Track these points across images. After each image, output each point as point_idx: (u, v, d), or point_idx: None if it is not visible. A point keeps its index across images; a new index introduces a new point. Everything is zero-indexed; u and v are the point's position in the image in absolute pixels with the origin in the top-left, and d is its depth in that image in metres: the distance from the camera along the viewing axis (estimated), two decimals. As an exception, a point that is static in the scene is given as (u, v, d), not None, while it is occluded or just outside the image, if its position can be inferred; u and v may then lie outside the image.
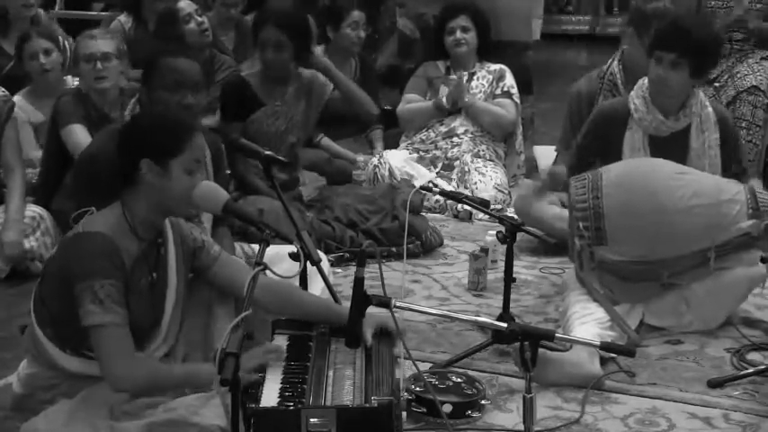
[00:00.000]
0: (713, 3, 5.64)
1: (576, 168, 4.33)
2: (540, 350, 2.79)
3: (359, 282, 2.74)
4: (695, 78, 4.18)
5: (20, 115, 5.00)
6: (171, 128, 2.97)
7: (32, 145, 5.19)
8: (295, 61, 5.07)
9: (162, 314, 3.05)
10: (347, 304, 2.90)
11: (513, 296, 3.92)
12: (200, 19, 6.01)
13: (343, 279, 4.50)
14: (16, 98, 5.21)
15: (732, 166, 4.29)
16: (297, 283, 3.38)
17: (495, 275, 4.53)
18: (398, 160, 5.70)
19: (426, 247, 4.96)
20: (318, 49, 6.20)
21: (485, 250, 4.55)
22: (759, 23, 5.62)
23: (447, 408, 3.15)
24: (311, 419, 2.72)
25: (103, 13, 8.35)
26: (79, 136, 4.64)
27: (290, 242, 3.20)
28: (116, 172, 2.99)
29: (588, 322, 3.78)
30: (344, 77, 5.56)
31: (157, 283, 3.04)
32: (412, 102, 6.11)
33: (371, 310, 2.80)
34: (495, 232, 3.94)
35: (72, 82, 5.36)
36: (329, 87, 5.19)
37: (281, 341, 3.17)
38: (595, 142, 4.36)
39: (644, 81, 4.30)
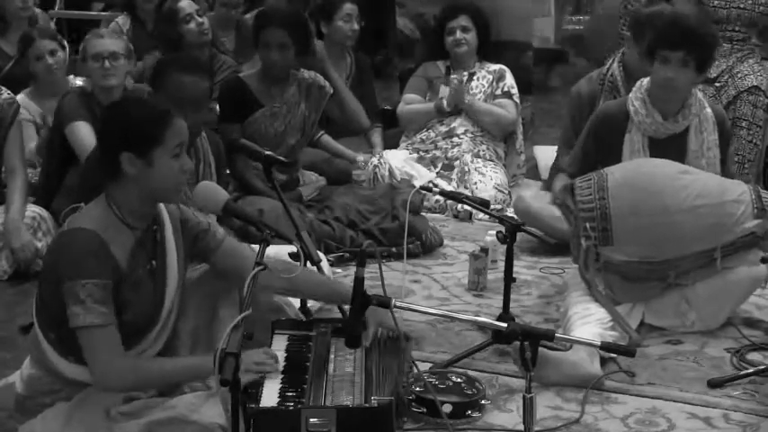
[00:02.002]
0: (716, 2, 5.64)
1: (577, 170, 4.33)
2: (541, 350, 2.79)
3: (359, 282, 2.74)
4: (700, 75, 4.20)
5: (23, 115, 5.02)
6: (148, 118, 2.89)
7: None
8: (297, 60, 5.09)
9: (163, 300, 3.03)
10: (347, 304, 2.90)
11: (513, 296, 3.92)
12: (200, 19, 6.02)
13: (343, 279, 4.50)
14: (19, 97, 5.23)
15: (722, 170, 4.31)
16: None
17: (495, 275, 4.52)
18: (398, 160, 5.70)
19: (426, 247, 4.96)
20: (318, 44, 6.20)
21: (485, 250, 4.55)
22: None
23: (447, 408, 3.15)
24: (311, 419, 2.72)
25: (103, 13, 8.35)
26: (84, 133, 4.64)
27: (290, 242, 3.21)
28: (98, 165, 2.94)
29: (590, 323, 3.78)
30: (342, 84, 5.57)
31: (157, 270, 3.02)
32: (412, 102, 6.11)
33: (375, 308, 2.80)
34: (495, 232, 3.94)
35: (74, 81, 5.36)
36: (328, 91, 5.19)
37: (281, 341, 3.17)
38: (595, 144, 4.37)
39: (642, 82, 4.30)
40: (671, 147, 4.25)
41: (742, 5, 5.62)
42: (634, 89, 4.32)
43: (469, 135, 5.94)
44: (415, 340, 3.79)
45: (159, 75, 3.94)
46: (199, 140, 4.04)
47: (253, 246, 4.10)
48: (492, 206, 4.68)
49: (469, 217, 5.52)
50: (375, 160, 5.74)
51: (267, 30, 5.00)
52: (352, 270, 3.83)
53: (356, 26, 6.18)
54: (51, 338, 2.95)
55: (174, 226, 3.08)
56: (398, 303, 2.78)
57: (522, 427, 2.68)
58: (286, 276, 3.08)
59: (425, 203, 5.53)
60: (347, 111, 5.48)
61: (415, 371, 3.17)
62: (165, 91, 3.85)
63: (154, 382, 2.93)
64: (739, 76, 5.54)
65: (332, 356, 3.07)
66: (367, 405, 2.79)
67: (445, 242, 5.09)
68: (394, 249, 4.79)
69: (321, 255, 3.90)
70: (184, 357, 3.07)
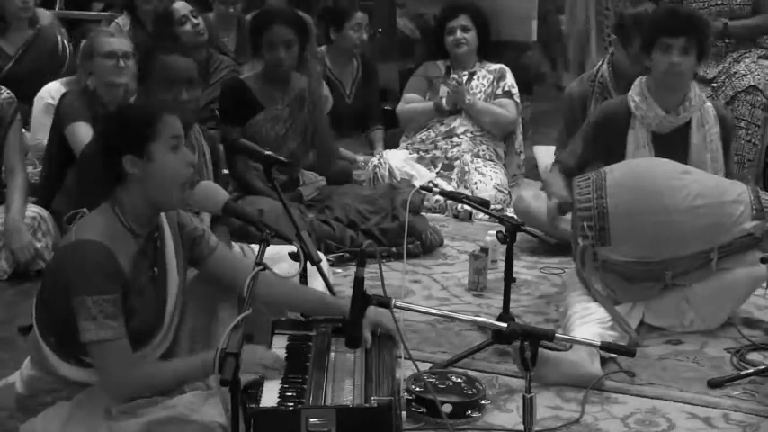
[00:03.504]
0: (694, 4, 5.66)
1: (581, 168, 4.34)
2: (540, 350, 2.79)
3: (359, 282, 2.74)
4: (699, 62, 4.25)
5: (50, 101, 5.10)
6: (137, 117, 2.93)
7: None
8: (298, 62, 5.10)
9: (165, 307, 3.03)
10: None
11: (513, 296, 3.92)
12: (195, 20, 6.01)
13: (343, 279, 4.50)
14: (55, 85, 5.24)
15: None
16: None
17: (495, 275, 4.53)
18: (398, 160, 5.71)
19: (426, 247, 4.96)
20: (320, 50, 6.21)
21: (485, 250, 4.55)
22: (718, 24, 5.60)
23: (447, 408, 3.15)
24: (311, 419, 2.72)
25: (103, 13, 8.33)
26: (83, 134, 4.61)
27: (290, 242, 3.21)
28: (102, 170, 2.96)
29: (589, 322, 3.78)
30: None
31: (158, 276, 3.02)
32: (412, 101, 6.12)
33: (370, 307, 2.80)
34: (495, 232, 3.94)
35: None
36: (329, 101, 5.23)
37: (281, 341, 3.17)
38: (598, 142, 4.37)
39: (642, 80, 4.31)
40: (675, 142, 4.26)
41: (720, 2, 5.63)
42: (633, 86, 4.33)
43: (469, 135, 5.95)
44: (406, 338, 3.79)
45: (145, 64, 3.96)
46: (192, 133, 4.03)
47: (253, 245, 4.13)
48: (492, 206, 4.68)
49: (469, 217, 5.53)
50: (375, 160, 5.75)
51: (272, 28, 4.98)
52: (352, 270, 3.83)
53: (365, 35, 6.19)
54: (51, 342, 2.95)
55: (173, 230, 3.09)
56: (398, 303, 2.78)
57: (522, 427, 2.68)
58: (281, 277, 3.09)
59: (425, 203, 5.54)
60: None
61: (415, 370, 3.17)
62: (153, 78, 3.86)
63: (164, 385, 2.94)
64: (736, 76, 5.55)
65: (332, 356, 3.07)
66: (367, 405, 2.79)
67: (445, 242, 5.09)
68: (394, 249, 4.80)
69: (321, 255, 3.90)
70: (189, 357, 3.07)
